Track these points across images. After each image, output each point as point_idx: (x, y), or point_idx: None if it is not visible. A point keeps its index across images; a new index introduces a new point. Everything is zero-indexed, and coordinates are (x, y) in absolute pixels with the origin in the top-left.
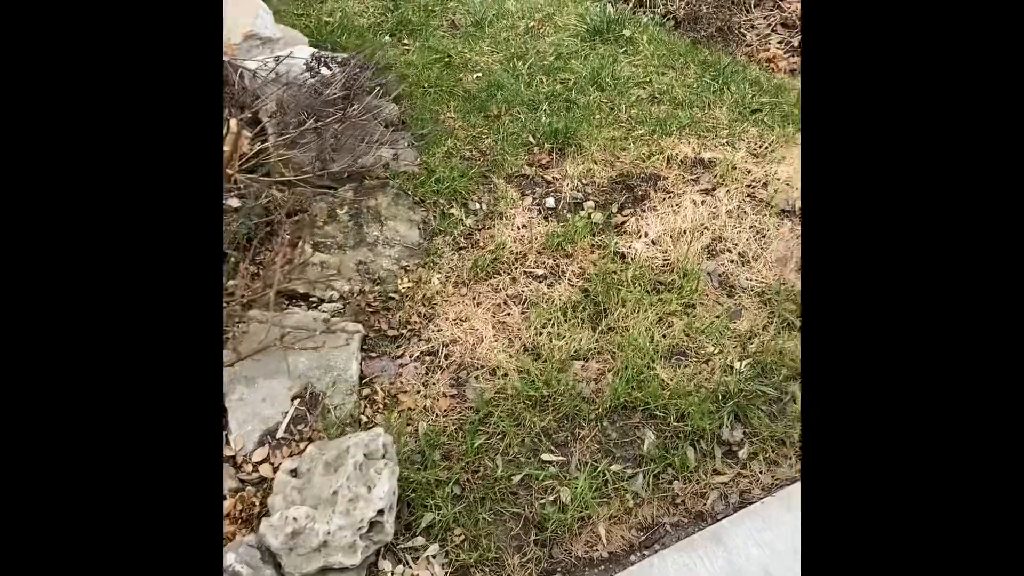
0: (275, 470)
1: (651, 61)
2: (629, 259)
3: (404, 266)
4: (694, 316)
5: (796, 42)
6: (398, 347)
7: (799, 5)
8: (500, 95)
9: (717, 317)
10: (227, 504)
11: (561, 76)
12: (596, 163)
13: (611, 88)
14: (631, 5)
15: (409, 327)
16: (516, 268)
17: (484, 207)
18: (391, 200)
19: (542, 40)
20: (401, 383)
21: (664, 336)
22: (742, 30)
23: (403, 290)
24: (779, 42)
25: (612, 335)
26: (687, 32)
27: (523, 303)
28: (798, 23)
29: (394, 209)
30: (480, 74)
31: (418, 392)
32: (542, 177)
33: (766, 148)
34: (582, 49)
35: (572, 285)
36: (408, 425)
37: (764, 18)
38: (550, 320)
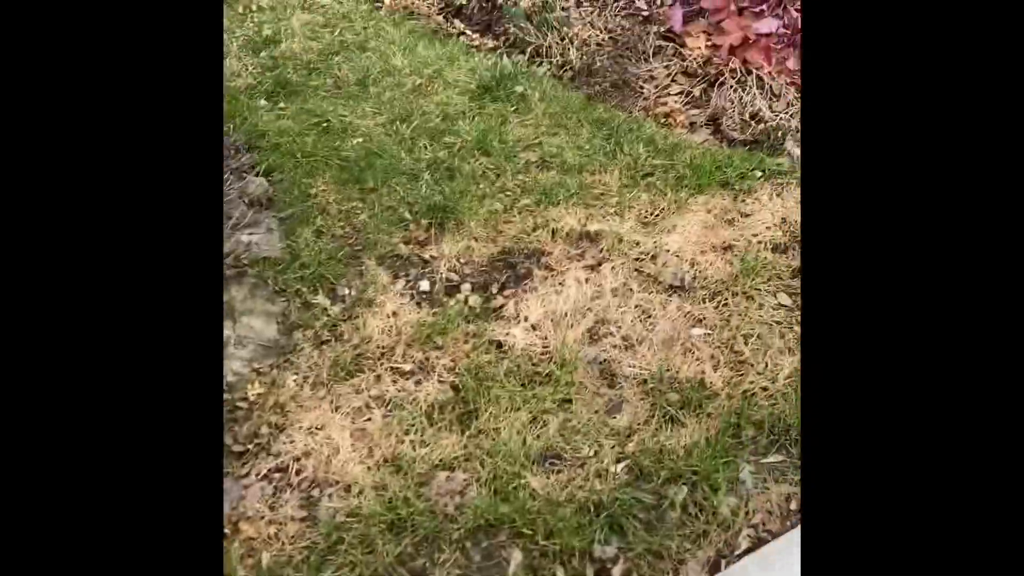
0: None
1: (543, 120)
2: (506, 347)
3: (257, 368)
4: (571, 412)
5: (697, 91)
6: (243, 465)
7: (702, 49)
8: (379, 164)
9: (595, 412)
10: None
11: (446, 140)
12: (476, 239)
13: (498, 153)
14: (528, 56)
15: (257, 440)
16: (381, 364)
17: (352, 293)
18: (247, 292)
19: (430, 99)
20: (244, 508)
21: (538, 437)
22: (640, 82)
23: (253, 397)
24: (679, 93)
25: (482, 438)
26: (583, 86)
27: (387, 405)
28: (699, 71)
29: (250, 303)
30: (360, 139)
31: (262, 518)
32: (419, 256)
33: (657, 216)
34: (471, 109)
35: (442, 381)
36: (249, 557)
37: (664, 66)
38: (414, 425)
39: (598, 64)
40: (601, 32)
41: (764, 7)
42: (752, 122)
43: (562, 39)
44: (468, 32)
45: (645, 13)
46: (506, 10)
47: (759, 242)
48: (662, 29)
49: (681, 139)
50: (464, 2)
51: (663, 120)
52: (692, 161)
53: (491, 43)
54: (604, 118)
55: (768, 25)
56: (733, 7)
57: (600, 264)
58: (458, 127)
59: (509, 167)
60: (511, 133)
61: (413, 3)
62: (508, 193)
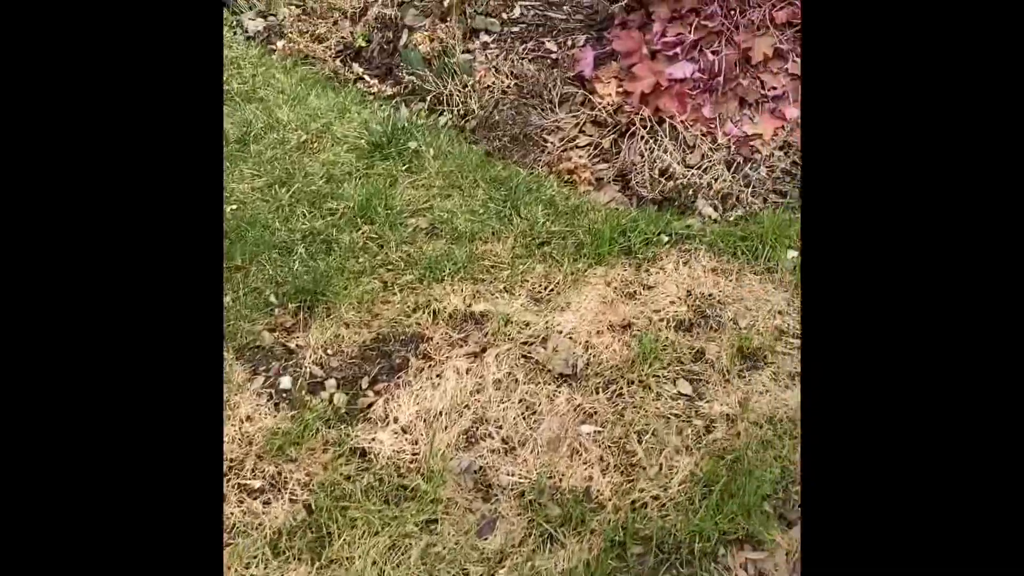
0: None
1: (436, 180)
2: (371, 456)
3: None
4: (436, 535)
5: (607, 143)
6: None
7: (613, 96)
8: (249, 236)
9: (464, 533)
10: None
11: (328, 206)
12: (348, 325)
13: (383, 220)
14: (428, 104)
15: None
16: (228, 482)
17: None
18: None
19: (315, 158)
20: None
21: (397, 566)
22: (545, 134)
23: None
24: (587, 145)
25: (334, 569)
26: (484, 140)
27: (230, 531)
28: (609, 120)
29: None
30: (234, 206)
31: None
32: (283, 346)
33: (551, 291)
34: (359, 168)
35: (294, 500)
36: None
37: (572, 115)
38: (256, 556)
39: (498, 117)
40: (506, 78)
41: (678, 50)
42: (662, 179)
43: (464, 86)
44: (366, 77)
45: (554, 55)
46: (404, 55)
47: (661, 320)
48: (571, 74)
49: (584, 199)
50: (364, 44)
51: (567, 177)
52: (593, 226)
53: (389, 90)
54: (503, 177)
55: (682, 70)
56: (645, 51)
57: (484, 350)
58: (343, 190)
59: (394, 236)
60: (400, 196)
61: (308, 46)
62: (390, 267)
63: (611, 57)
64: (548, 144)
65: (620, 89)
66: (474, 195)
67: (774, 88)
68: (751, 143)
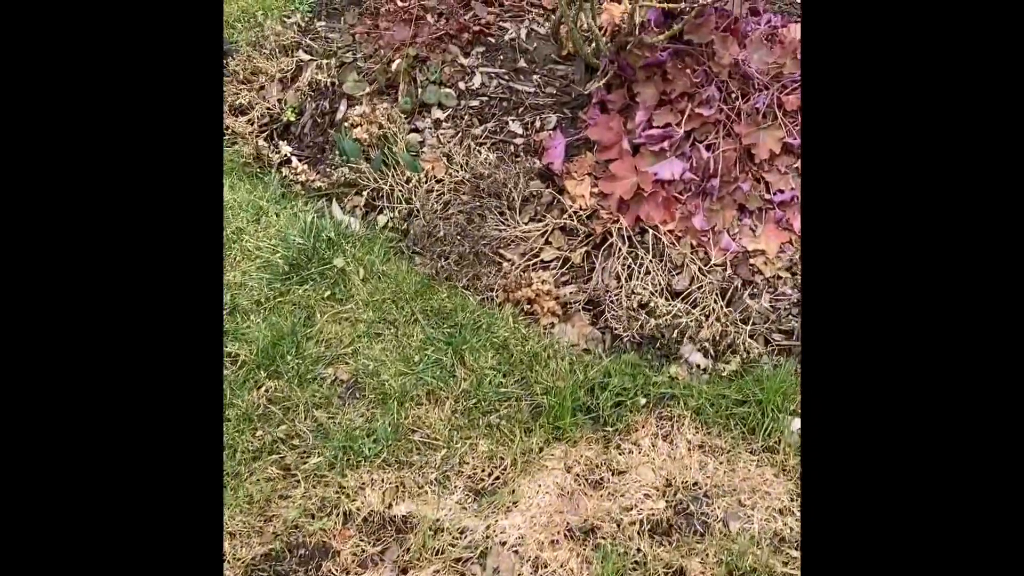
0: None
1: (364, 312)
2: None
3: None
4: None
5: (578, 257)
6: None
7: (587, 198)
8: None
9: None
10: None
11: (226, 350)
12: (234, 535)
13: (292, 372)
14: (365, 200)
15: None
16: None
17: None
18: None
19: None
20: None
21: None
22: (500, 249)
23: None
24: (553, 260)
25: None
26: (427, 256)
27: None
28: (581, 228)
29: None
30: None
31: None
32: None
33: (496, 479)
34: (272, 294)
35: None
36: None
37: (536, 220)
38: None
39: (443, 232)
40: (460, 169)
41: (666, 144)
42: (642, 313)
43: (407, 181)
44: (294, 160)
45: (519, 140)
46: (337, 141)
47: (632, 522)
48: (538, 164)
49: (545, 341)
50: (293, 119)
51: (527, 307)
52: (553, 384)
53: (320, 181)
54: (447, 308)
55: (670, 169)
56: (626, 144)
57: (405, 571)
58: (246, 327)
59: (304, 397)
60: (317, 336)
61: (227, 121)
62: (294, 444)
63: (586, 145)
64: (506, 262)
65: (595, 189)
66: (410, 334)
67: (781, 191)
68: (752, 261)
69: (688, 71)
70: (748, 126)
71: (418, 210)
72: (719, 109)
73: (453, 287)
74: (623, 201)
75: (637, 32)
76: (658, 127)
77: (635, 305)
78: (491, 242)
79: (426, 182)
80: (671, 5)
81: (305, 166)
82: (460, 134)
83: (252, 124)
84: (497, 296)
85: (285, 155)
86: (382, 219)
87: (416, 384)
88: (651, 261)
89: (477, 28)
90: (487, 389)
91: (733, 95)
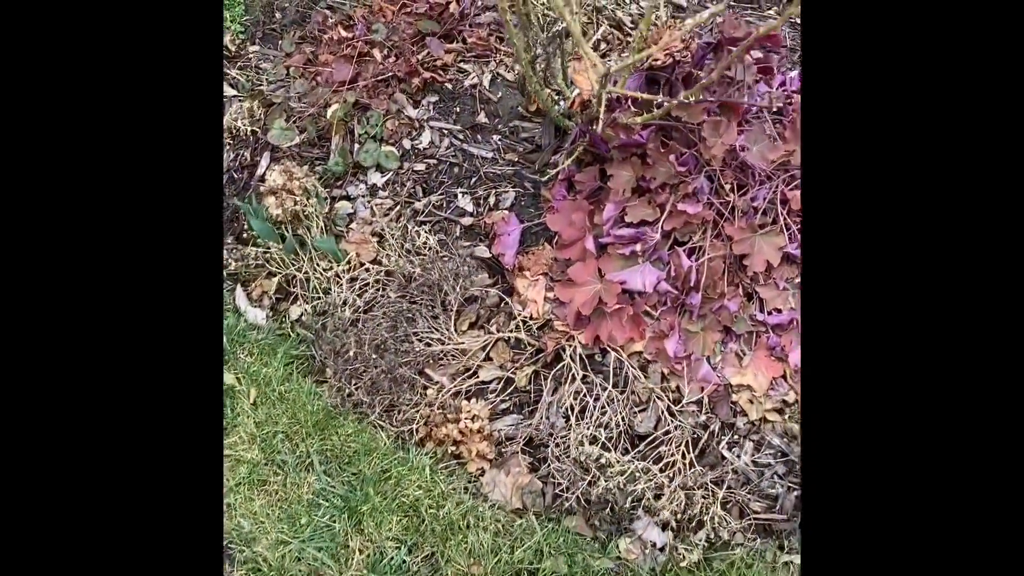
0: None
1: (250, 449)
2: None
3: None
4: None
5: (522, 379)
6: None
7: (539, 305)
8: None
9: None
10: None
11: None
12: None
13: None
14: (276, 287)
15: None
16: None
17: None
18: None
19: None
20: None
21: None
22: (426, 368)
23: None
24: (491, 382)
25: None
26: (338, 376)
27: None
28: (531, 343)
29: None
30: None
31: None
32: None
33: None
34: None
35: None
36: None
37: (479, 326)
38: None
39: (353, 350)
40: (395, 252)
41: (638, 247)
42: (593, 468)
43: (327, 269)
44: None
45: (467, 219)
46: (245, 211)
47: None
48: (486, 253)
49: (468, 504)
50: None
51: (452, 448)
52: (468, 573)
53: (228, 255)
54: (351, 450)
55: (642, 278)
56: (590, 244)
57: None
58: None
59: None
60: None
61: None
62: None
63: (546, 234)
64: (432, 386)
65: (551, 294)
66: (301, 484)
67: (777, 311)
68: (734, 399)
69: (673, 156)
70: (742, 229)
71: (331, 311)
72: (708, 204)
73: (363, 417)
74: (580, 316)
75: (604, 113)
76: (630, 225)
77: (584, 458)
78: (416, 360)
79: (349, 269)
80: (654, 71)
81: None
82: (398, 207)
83: None
84: (417, 431)
85: None
86: (295, 311)
87: (297, 559)
88: (610, 393)
89: (430, 73)
90: (386, 570)
91: (727, 186)
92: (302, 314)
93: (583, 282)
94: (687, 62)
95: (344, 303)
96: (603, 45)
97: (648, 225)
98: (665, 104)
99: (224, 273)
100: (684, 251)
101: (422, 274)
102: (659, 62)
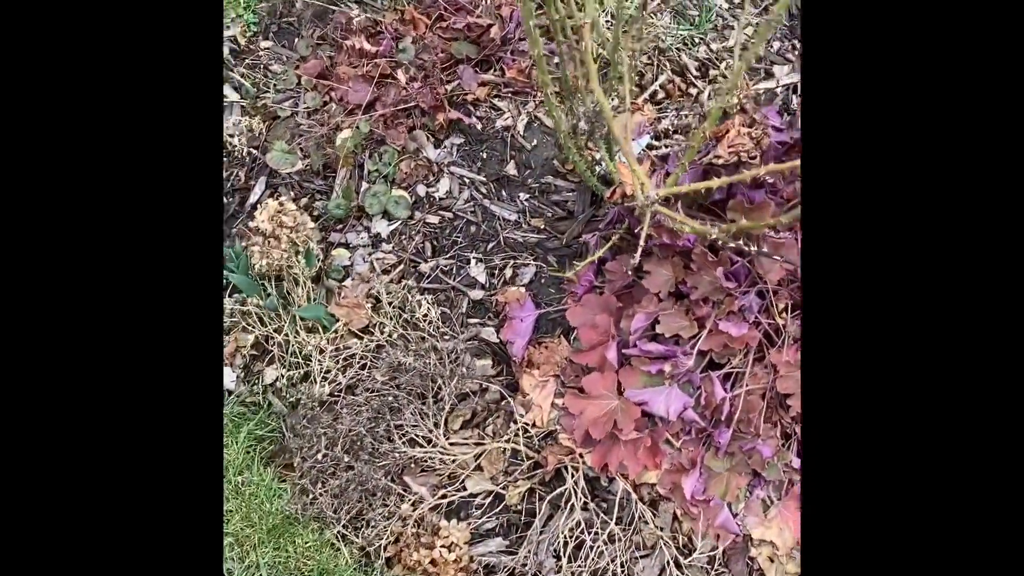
0: None
1: None
2: None
3: None
4: None
5: (514, 496)
6: None
7: (545, 415)
8: None
9: None
10: None
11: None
12: None
13: None
14: (252, 344)
15: None
16: None
17: None
18: None
19: None
20: None
21: None
22: (405, 474)
23: None
24: (479, 494)
25: None
26: (293, 475)
27: None
28: (529, 453)
29: None
30: None
31: None
32: None
33: None
34: None
35: None
36: None
37: (473, 425)
38: None
39: (321, 450)
40: (388, 322)
41: (667, 368)
42: None
43: (311, 331)
44: None
45: (477, 293)
46: (230, 259)
47: None
48: (493, 339)
49: None
50: None
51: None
52: None
53: None
54: (305, 568)
55: (667, 403)
56: (612, 353)
57: None
58: None
59: None
60: None
61: None
62: None
63: (564, 325)
64: (408, 497)
65: (560, 401)
66: None
67: None
68: (752, 554)
69: (720, 269)
70: (789, 364)
71: (307, 384)
72: (755, 323)
73: (322, 531)
74: (589, 436)
75: (648, 224)
76: (661, 339)
77: None
78: (394, 463)
79: (336, 338)
80: (714, 166)
81: None
82: (402, 265)
83: None
84: (385, 548)
85: None
86: (270, 374)
87: None
88: (612, 531)
89: (456, 113)
90: None
91: (780, 306)
92: (277, 379)
93: (598, 395)
94: (754, 162)
95: (324, 377)
96: (660, 94)
97: (682, 342)
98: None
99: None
100: (719, 377)
101: (414, 364)
102: (721, 160)
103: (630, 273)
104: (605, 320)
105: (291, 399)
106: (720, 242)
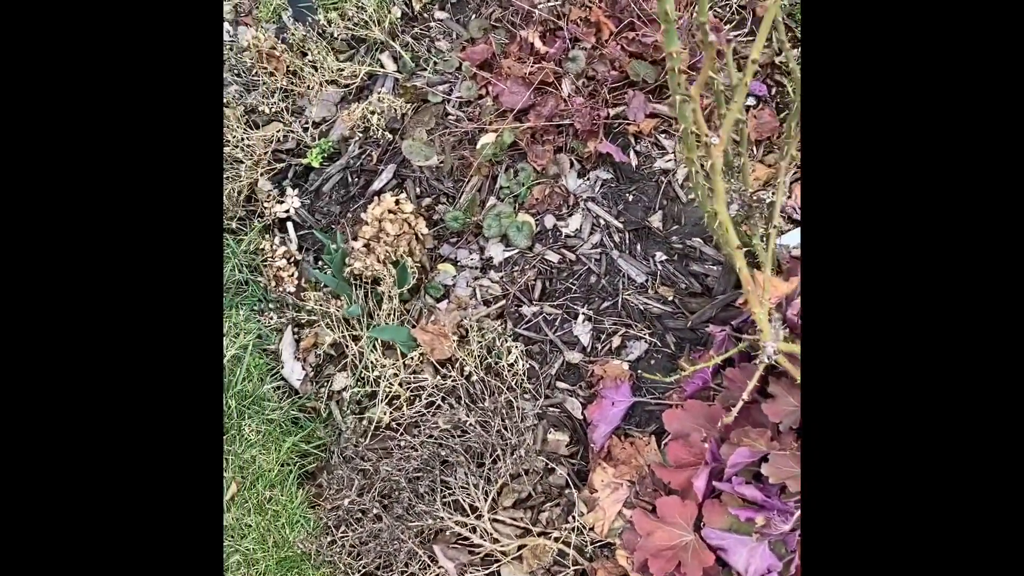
0: None
1: None
2: None
3: None
4: None
5: None
6: None
7: (608, 518)
8: None
9: None
10: None
11: None
12: None
13: None
14: (329, 343)
15: None
16: None
17: None
18: None
19: None
20: None
21: None
22: (434, 542)
23: None
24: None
25: None
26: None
27: None
28: (582, 559)
29: None
30: None
31: None
32: None
33: None
34: None
35: None
36: None
37: (522, 506)
38: None
39: (356, 488)
40: (470, 360)
41: (759, 519)
42: None
43: (388, 350)
44: (291, 229)
45: (575, 356)
46: (326, 250)
47: None
48: (576, 410)
49: None
50: (317, 164)
51: None
52: None
53: (295, 286)
54: None
55: (749, 559)
56: (701, 480)
57: None
58: None
59: None
60: None
61: (231, 133)
62: None
63: (656, 423)
64: (432, 568)
65: (628, 512)
66: None
67: None
68: None
69: None
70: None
71: (369, 406)
72: None
73: (335, 573)
74: (649, 567)
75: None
76: (764, 482)
77: None
78: (428, 528)
79: (412, 364)
80: None
81: (294, 250)
82: (504, 302)
83: (266, 146)
84: None
85: (286, 212)
86: (340, 380)
87: None
88: None
89: (608, 146)
90: None
91: None
92: (346, 387)
93: (672, 523)
94: None
95: (390, 403)
96: None
97: (787, 495)
98: None
99: (288, 315)
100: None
101: (474, 425)
102: None
103: (745, 399)
104: (701, 443)
105: (353, 414)
106: None
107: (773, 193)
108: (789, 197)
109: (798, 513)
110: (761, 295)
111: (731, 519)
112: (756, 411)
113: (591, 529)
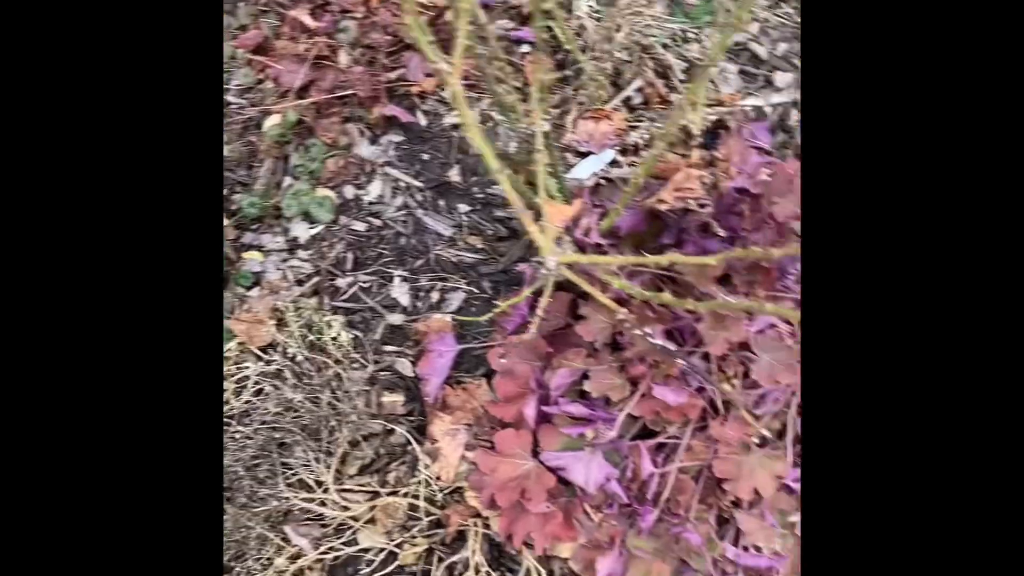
0: None
1: None
2: None
3: None
4: None
5: (410, 555)
6: None
7: (453, 462)
8: None
9: None
10: None
11: None
12: None
13: None
14: None
15: None
16: None
17: None
18: None
19: None
20: None
21: None
22: (284, 523)
23: None
24: (368, 550)
25: None
26: None
27: None
28: (434, 509)
29: None
30: None
31: None
32: None
33: None
34: None
35: None
36: None
37: (370, 470)
38: None
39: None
40: (292, 343)
41: (589, 432)
42: None
43: None
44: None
45: (397, 317)
46: None
47: None
48: (409, 372)
49: None
50: None
51: None
52: None
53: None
54: None
55: (587, 471)
56: (531, 408)
57: None
58: None
59: None
60: None
61: None
62: None
63: (487, 368)
64: (287, 550)
65: (471, 455)
66: None
67: (756, 551)
68: None
69: (661, 324)
70: (732, 443)
71: None
72: (698, 390)
73: None
74: (497, 500)
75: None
76: (588, 398)
77: None
78: (275, 510)
79: (230, 358)
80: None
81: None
82: (317, 281)
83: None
84: None
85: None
86: None
87: None
88: None
89: (393, 109)
90: None
91: (730, 372)
92: None
93: (511, 454)
94: (706, 211)
95: None
96: (637, 99)
97: (611, 405)
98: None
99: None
100: (650, 449)
101: (303, 402)
102: (666, 204)
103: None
104: (526, 371)
105: None
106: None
107: (553, 129)
108: (574, 132)
109: (621, 417)
110: (543, 218)
111: (564, 439)
112: (572, 334)
113: (438, 478)
